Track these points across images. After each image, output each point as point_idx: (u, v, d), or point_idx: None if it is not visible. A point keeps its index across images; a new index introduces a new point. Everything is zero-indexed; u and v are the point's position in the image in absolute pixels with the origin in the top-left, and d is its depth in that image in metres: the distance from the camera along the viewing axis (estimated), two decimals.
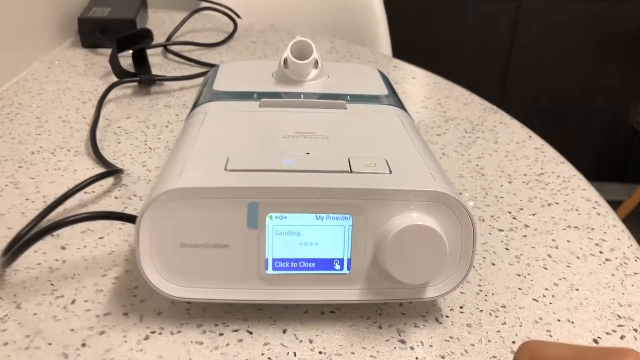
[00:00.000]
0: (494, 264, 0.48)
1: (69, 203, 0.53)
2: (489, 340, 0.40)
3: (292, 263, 0.39)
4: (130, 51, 0.82)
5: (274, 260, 0.39)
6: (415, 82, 0.84)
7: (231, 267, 0.39)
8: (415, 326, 0.41)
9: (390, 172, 0.40)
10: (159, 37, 0.97)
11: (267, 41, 1.00)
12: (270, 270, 0.39)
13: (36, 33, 0.85)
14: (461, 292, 0.44)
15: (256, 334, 0.39)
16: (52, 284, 0.43)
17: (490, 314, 0.42)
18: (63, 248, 0.47)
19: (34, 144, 0.63)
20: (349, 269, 0.39)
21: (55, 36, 0.91)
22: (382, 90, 0.56)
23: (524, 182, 0.59)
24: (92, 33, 0.90)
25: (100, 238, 0.49)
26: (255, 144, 0.44)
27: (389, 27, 1.28)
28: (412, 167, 0.42)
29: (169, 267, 0.39)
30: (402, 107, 0.53)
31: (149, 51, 0.89)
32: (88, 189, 0.55)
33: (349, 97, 0.53)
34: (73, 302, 0.42)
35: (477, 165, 0.62)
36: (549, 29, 2.23)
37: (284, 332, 0.40)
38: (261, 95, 0.52)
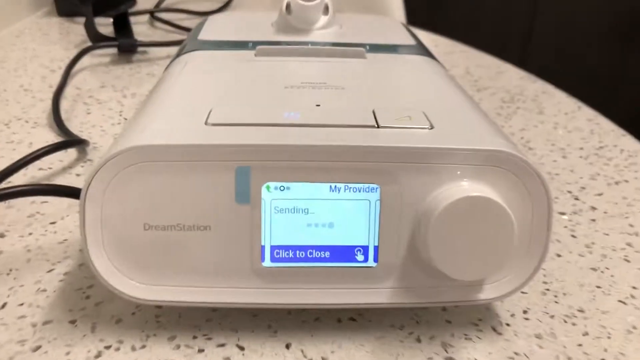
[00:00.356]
0: (559, 255, 0.37)
1: (17, 181, 0.42)
2: (569, 358, 0.29)
3: (297, 252, 0.28)
4: (111, 19, 0.71)
5: (272, 248, 0.28)
6: (438, 50, 0.73)
7: (214, 258, 0.28)
8: (466, 338, 0.30)
9: (432, 126, 0.29)
10: (145, 4, 0.86)
11: (271, 9, 0.89)
12: (267, 262, 0.28)
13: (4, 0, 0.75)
14: (522, 292, 0.33)
15: (249, 350, 0.29)
16: None
17: (565, 321, 0.31)
18: (1, 236, 0.36)
19: None
20: (375, 260, 0.29)
21: (27, 3, 0.80)
22: (408, 40, 0.45)
23: (581, 157, 0.48)
24: (69, 0, 0.80)
25: (51, 223, 0.38)
26: (248, 95, 0.33)
27: None
28: (459, 121, 0.31)
29: (129, 259, 0.28)
30: (435, 59, 0.42)
31: (133, 19, 0.79)
32: (43, 165, 0.44)
33: (368, 47, 0.42)
34: (3, 306, 0.31)
35: (522, 138, 0.51)
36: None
37: (288, 347, 0.29)
38: (258, 44, 0.41)
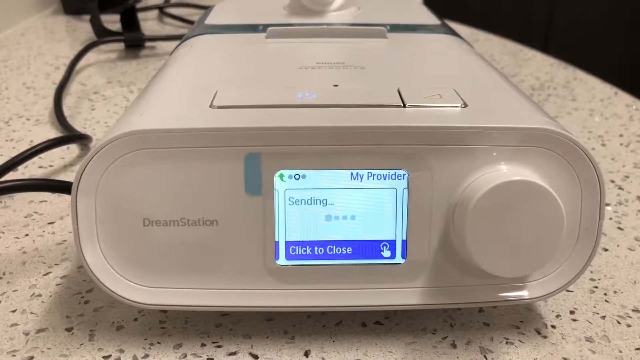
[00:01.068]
0: (606, 250, 0.33)
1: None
2: None
3: (316, 248, 0.25)
4: (119, 15, 0.68)
5: (288, 244, 0.25)
6: None
7: (223, 256, 0.25)
8: (507, 342, 0.26)
9: (465, 104, 0.26)
10: (154, 0, 0.84)
11: None
12: (282, 260, 0.25)
13: None
14: (566, 290, 0.30)
15: (264, 359, 0.26)
16: None
17: (619, 322, 0.28)
18: None
19: None
20: (404, 256, 0.25)
21: (34, 2, 0.78)
22: (431, 19, 0.42)
23: (621, 144, 0.45)
24: None
25: (49, 224, 0.35)
26: (257, 77, 0.30)
27: None
28: (494, 98, 0.27)
29: (128, 258, 0.25)
30: (461, 38, 0.39)
31: (142, 16, 0.76)
32: (44, 162, 0.42)
33: (388, 27, 0.38)
34: None
35: None
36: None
37: (307, 355, 0.26)
38: (269, 27, 0.38)
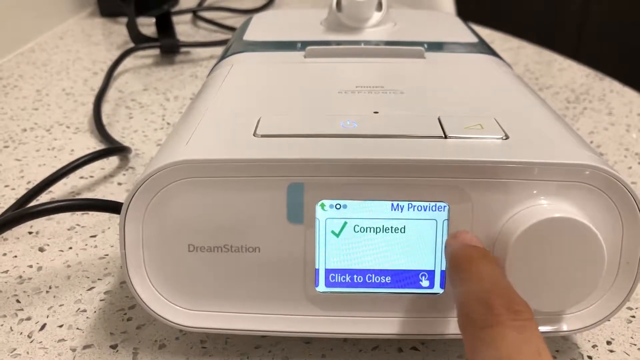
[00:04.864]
0: None
1: (58, 190, 0.40)
2: None
3: (355, 277, 0.26)
4: (154, 19, 0.69)
5: (327, 272, 0.26)
6: (495, 46, 0.69)
7: (264, 282, 0.26)
8: None
9: (507, 136, 0.26)
10: (188, 3, 0.85)
11: (315, 6, 0.86)
12: (322, 287, 0.26)
13: (47, 1, 0.74)
14: None
15: None
16: (17, 301, 0.31)
17: None
18: (41, 250, 0.35)
19: (27, 120, 0.51)
20: (442, 286, 0.26)
21: (71, 4, 0.79)
22: (469, 37, 0.42)
23: None
24: (112, 0, 0.79)
25: (91, 237, 0.36)
26: (298, 101, 0.30)
27: None
28: (536, 130, 0.27)
29: (173, 282, 0.26)
30: (500, 57, 0.39)
31: (176, 19, 0.77)
32: (84, 172, 0.43)
33: (426, 45, 0.38)
34: (42, 327, 0.29)
35: (592, 142, 0.47)
36: None
37: None
38: (307, 44, 0.38)
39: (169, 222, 0.25)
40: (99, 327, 0.29)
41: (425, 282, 0.26)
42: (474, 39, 0.41)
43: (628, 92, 0.56)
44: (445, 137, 0.26)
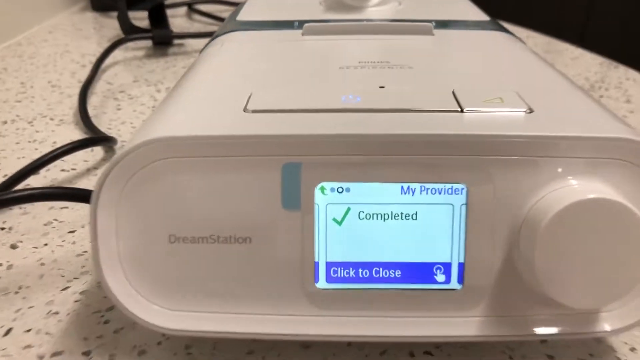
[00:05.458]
0: None
1: (37, 183, 0.37)
2: None
3: (360, 270, 0.22)
4: (147, 12, 0.67)
5: (329, 265, 0.22)
6: None
7: (256, 278, 0.22)
8: None
9: (531, 110, 0.23)
10: None
11: None
12: (322, 284, 0.22)
13: None
14: None
15: None
16: None
17: None
18: (13, 247, 0.32)
19: (9, 112, 0.48)
20: (460, 281, 0.22)
21: None
22: (480, 16, 0.38)
23: None
24: None
25: (69, 232, 0.33)
26: (294, 77, 0.27)
27: None
28: (561, 103, 0.24)
29: (153, 279, 0.23)
30: (513, 35, 0.36)
31: (170, 12, 0.74)
32: (66, 165, 0.39)
33: (434, 23, 0.35)
34: (7, 332, 0.26)
35: None
36: None
37: None
38: (305, 23, 0.35)
39: (147, 209, 0.22)
40: (72, 331, 0.26)
41: (440, 277, 0.23)
42: (485, 17, 0.38)
43: None
44: (462, 110, 0.23)
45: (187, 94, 0.26)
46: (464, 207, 0.22)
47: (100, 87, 0.53)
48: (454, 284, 0.22)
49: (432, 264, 0.22)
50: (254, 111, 0.23)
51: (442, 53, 0.30)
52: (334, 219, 0.22)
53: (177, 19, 0.75)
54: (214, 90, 0.26)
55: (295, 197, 0.22)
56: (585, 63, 0.57)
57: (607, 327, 0.23)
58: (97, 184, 0.21)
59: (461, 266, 0.22)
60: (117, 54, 0.60)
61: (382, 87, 0.25)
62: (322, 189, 0.22)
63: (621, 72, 0.55)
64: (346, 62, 0.28)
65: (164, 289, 0.23)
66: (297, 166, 0.21)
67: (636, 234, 0.20)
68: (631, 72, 0.55)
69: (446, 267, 0.22)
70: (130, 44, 0.62)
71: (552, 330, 0.23)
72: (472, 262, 0.22)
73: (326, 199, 0.22)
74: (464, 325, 0.23)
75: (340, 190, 0.22)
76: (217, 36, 0.35)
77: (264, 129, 0.21)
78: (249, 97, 0.24)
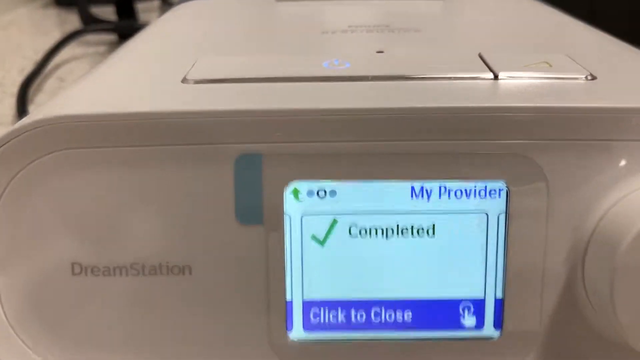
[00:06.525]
0: None
1: None
2: None
3: (353, 312, 0.15)
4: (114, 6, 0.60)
5: (307, 305, 0.15)
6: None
7: (200, 326, 0.15)
8: None
9: (593, 77, 0.16)
10: None
11: None
12: (298, 332, 0.15)
13: None
14: None
15: None
16: None
17: None
18: None
19: None
20: (498, 325, 0.15)
21: None
22: None
23: None
24: None
25: None
26: (263, 43, 0.20)
27: None
28: (626, 69, 0.18)
29: (48, 325, 0.15)
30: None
31: (141, 6, 0.67)
32: None
33: None
34: None
35: None
36: None
37: None
38: None
39: (38, 225, 0.15)
40: None
41: (469, 320, 0.15)
42: None
43: None
44: (496, 77, 0.16)
45: (113, 65, 0.19)
46: (502, 217, 0.15)
47: (50, 84, 0.46)
48: (489, 329, 0.15)
49: (458, 302, 0.15)
50: (197, 82, 0.16)
51: (458, 15, 0.24)
52: (314, 237, 0.15)
53: (149, 14, 0.68)
54: (153, 59, 0.19)
55: (255, 205, 0.15)
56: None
57: None
58: None
59: (499, 304, 0.15)
60: (77, 50, 0.54)
61: (381, 52, 0.18)
62: (295, 192, 0.15)
63: None
64: (332, 27, 0.22)
65: (63, 339, 0.15)
66: (257, 158, 0.14)
67: None
68: None
69: (477, 306, 0.15)
70: (93, 39, 0.56)
71: None
72: (514, 297, 0.15)
73: (301, 206, 0.15)
74: None
75: (321, 193, 0.15)
76: (174, 5, 0.29)
77: (206, 103, 0.14)
78: (193, 65, 0.17)
